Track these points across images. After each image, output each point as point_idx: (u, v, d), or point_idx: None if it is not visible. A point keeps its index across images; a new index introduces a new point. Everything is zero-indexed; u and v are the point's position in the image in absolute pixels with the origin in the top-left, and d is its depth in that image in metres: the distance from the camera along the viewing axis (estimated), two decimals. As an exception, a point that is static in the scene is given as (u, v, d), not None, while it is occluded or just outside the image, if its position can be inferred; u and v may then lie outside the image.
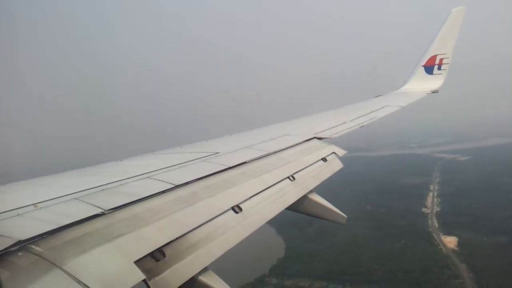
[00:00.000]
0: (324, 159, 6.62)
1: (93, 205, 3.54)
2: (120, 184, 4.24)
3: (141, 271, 2.87)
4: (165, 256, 3.17)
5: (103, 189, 4.04)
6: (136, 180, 4.43)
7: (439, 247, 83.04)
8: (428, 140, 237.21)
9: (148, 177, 4.57)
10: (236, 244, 3.92)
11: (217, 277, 3.49)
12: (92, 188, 4.03)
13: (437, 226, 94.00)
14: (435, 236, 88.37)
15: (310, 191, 5.68)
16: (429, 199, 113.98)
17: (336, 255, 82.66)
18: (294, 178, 5.58)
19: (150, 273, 2.97)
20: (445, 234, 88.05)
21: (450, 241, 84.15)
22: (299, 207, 5.46)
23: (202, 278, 3.36)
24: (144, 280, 2.83)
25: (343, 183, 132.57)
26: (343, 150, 7.21)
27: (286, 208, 5.09)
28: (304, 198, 5.53)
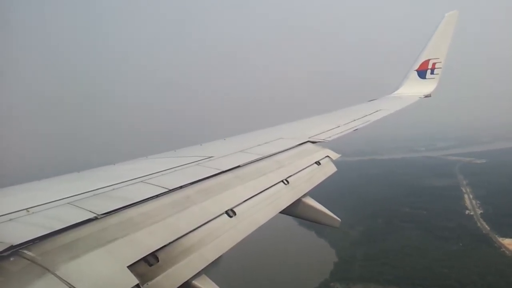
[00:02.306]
0: (318, 163, 6.63)
1: (86, 209, 3.52)
2: (114, 189, 4.22)
3: (134, 275, 2.86)
4: (158, 261, 3.16)
5: (96, 194, 4.02)
6: (129, 185, 4.42)
7: (501, 250, 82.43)
8: (435, 143, 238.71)
9: (141, 181, 4.55)
10: (230, 248, 3.91)
11: (210, 281, 3.48)
12: (85, 192, 4.01)
13: (488, 228, 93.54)
14: (492, 239, 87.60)
15: (304, 195, 5.69)
16: (467, 201, 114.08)
17: (396, 259, 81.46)
18: (288, 182, 5.59)
19: (143, 278, 2.95)
20: (501, 236, 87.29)
21: (511, 243, 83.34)
22: (293, 210, 5.47)
23: (195, 282, 3.35)
24: (137, 285, 2.82)
25: (367, 186, 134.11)
26: (337, 154, 7.24)
27: (280, 212, 5.09)
28: (298, 201, 5.53)
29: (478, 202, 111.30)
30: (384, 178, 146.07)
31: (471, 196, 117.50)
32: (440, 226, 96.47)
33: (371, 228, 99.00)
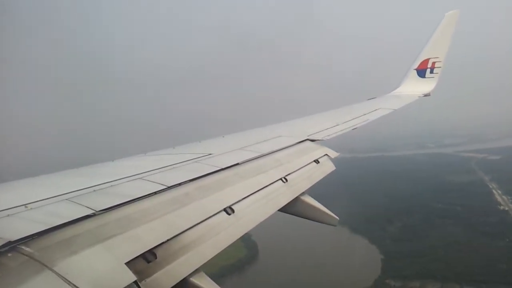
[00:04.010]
0: (316, 161, 6.63)
1: (84, 206, 3.52)
2: (112, 185, 4.22)
3: (133, 272, 2.85)
4: (156, 258, 3.16)
5: (95, 190, 4.02)
6: (128, 181, 4.41)
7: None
8: (442, 140, 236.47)
9: (140, 178, 4.55)
10: (228, 246, 3.91)
11: (208, 278, 3.49)
12: (84, 188, 4.01)
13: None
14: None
15: (303, 193, 5.70)
16: (498, 197, 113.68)
17: (447, 255, 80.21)
18: (286, 180, 5.59)
19: (141, 275, 2.95)
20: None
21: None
22: (291, 208, 5.47)
23: (193, 279, 3.35)
24: (135, 282, 2.82)
25: (387, 182, 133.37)
26: (335, 152, 7.24)
27: (279, 210, 5.10)
28: (297, 200, 5.54)
29: (509, 197, 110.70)
30: (403, 175, 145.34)
31: (499, 192, 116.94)
32: (480, 221, 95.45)
33: (409, 224, 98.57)
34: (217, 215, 4.12)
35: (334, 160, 7.04)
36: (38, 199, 3.63)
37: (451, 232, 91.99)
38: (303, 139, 7.61)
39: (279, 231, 78.00)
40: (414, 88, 14.15)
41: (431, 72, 14.23)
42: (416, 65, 14.47)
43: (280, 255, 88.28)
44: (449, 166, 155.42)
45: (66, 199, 3.69)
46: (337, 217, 5.94)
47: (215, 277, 3.47)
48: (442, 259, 78.76)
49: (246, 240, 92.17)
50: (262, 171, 5.58)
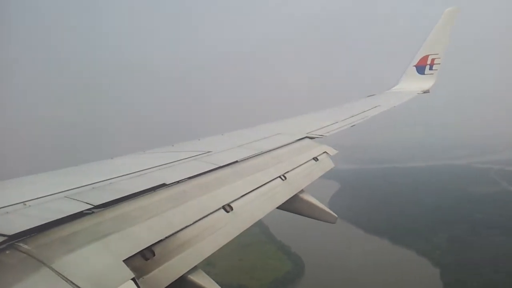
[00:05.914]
0: (315, 159, 6.64)
1: (83, 203, 3.52)
2: (111, 183, 4.22)
3: (130, 269, 2.86)
4: (154, 255, 3.17)
5: (93, 187, 4.02)
6: (127, 179, 4.42)
7: None
8: (450, 151, 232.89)
9: (139, 176, 4.55)
10: (227, 244, 3.92)
11: (207, 276, 3.50)
12: (83, 186, 4.01)
13: None
14: None
15: (301, 191, 5.71)
16: None
17: (506, 266, 78.09)
18: (285, 178, 5.60)
19: (139, 272, 2.96)
20: None
21: None
22: (290, 206, 5.48)
23: (191, 277, 3.36)
24: (133, 279, 2.82)
25: (416, 192, 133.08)
26: (334, 150, 7.25)
27: (277, 208, 5.10)
28: (296, 197, 5.54)
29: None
30: (427, 186, 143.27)
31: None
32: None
33: (454, 235, 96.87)
34: (216, 212, 4.12)
35: (333, 158, 7.05)
36: (37, 197, 3.62)
37: (501, 243, 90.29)
38: (302, 136, 7.62)
39: (317, 243, 77.06)
40: (413, 85, 14.16)
41: (430, 68, 14.23)
42: (415, 62, 14.47)
43: (326, 270, 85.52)
44: (469, 177, 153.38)
45: (65, 197, 3.69)
46: (335, 215, 5.94)
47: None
48: (502, 271, 76.90)
49: (288, 253, 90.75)
50: (261, 168, 5.59)
